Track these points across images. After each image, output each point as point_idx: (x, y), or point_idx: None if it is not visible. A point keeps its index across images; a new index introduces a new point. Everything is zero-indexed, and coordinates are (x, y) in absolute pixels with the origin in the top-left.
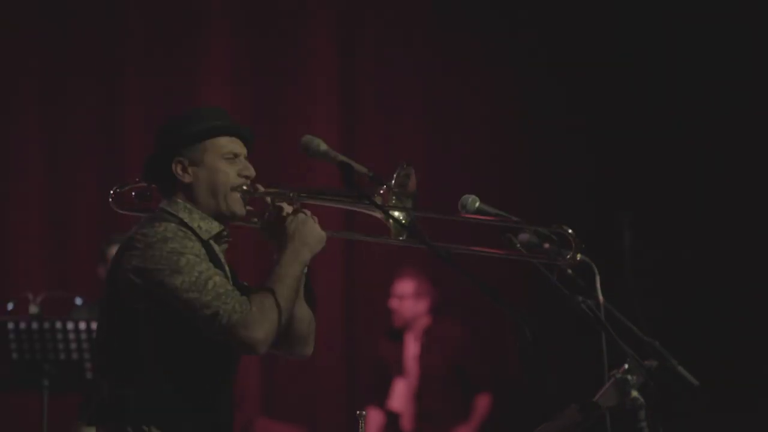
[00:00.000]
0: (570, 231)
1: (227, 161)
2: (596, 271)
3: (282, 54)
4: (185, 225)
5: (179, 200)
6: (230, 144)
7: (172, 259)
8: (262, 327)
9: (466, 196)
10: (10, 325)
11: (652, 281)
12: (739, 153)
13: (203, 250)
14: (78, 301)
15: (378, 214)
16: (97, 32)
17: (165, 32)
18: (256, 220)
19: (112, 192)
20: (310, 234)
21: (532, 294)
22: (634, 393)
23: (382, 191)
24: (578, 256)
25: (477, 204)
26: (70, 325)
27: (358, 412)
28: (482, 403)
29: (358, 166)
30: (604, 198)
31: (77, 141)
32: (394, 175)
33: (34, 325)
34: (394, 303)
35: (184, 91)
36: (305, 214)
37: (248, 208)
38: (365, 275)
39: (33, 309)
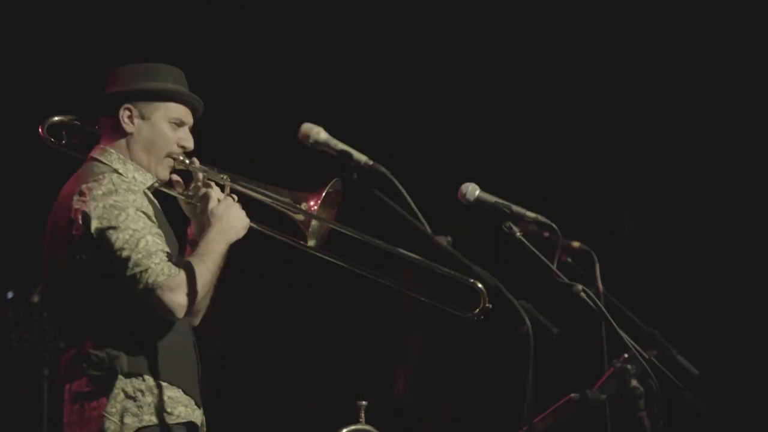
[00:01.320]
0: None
1: (172, 126)
2: (596, 259)
3: None
4: (120, 175)
5: (112, 150)
6: (180, 110)
7: (113, 213)
8: (184, 293)
9: (466, 184)
10: (11, 315)
11: (652, 270)
12: (740, 140)
13: (145, 201)
14: None
15: (301, 218)
16: None
17: None
18: (180, 190)
19: (44, 124)
20: (237, 217)
21: (530, 283)
22: (634, 382)
23: (313, 201)
24: (576, 244)
25: (477, 192)
26: None
27: (358, 402)
28: (482, 394)
29: (358, 154)
30: (604, 186)
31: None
32: (326, 189)
33: (35, 315)
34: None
35: None
36: (232, 200)
37: (175, 177)
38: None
39: (33, 298)
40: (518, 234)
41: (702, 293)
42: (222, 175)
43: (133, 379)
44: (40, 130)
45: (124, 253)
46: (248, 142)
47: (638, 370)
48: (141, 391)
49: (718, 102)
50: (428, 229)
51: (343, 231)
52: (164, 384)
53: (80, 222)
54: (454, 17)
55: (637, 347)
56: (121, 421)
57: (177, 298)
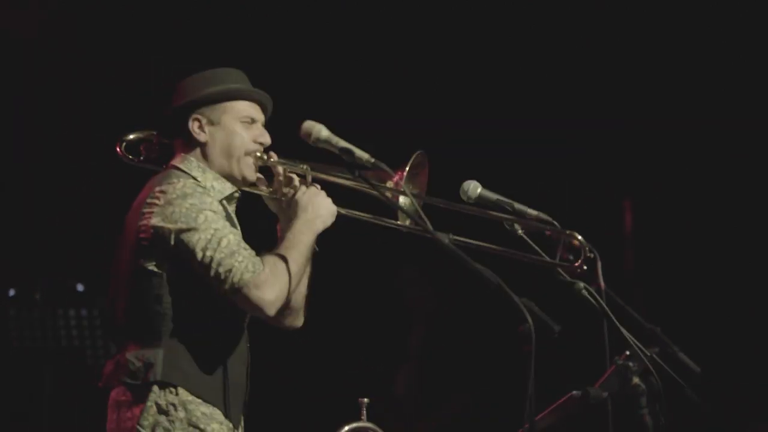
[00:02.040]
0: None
1: (244, 125)
2: (598, 256)
3: None
4: (198, 183)
5: (192, 158)
6: (249, 108)
7: (191, 216)
8: (273, 288)
9: (468, 182)
10: (12, 312)
11: (653, 267)
12: (741, 137)
13: (220, 207)
14: (80, 287)
15: (383, 198)
16: None
17: None
18: (264, 187)
19: (120, 140)
20: (322, 206)
21: (532, 281)
22: (636, 380)
23: (395, 178)
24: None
25: (479, 190)
26: (71, 312)
27: (360, 399)
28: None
29: (359, 152)
30: (605, 183)
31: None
32: (409, 162)
33: (36, 312)
34: (400, 289)
35: None
36: (316, 188)
37: (258, 175)
38: (371, 259)
39: (35, 295)
40: (520, 232)
41: (703, 291)
42: (302, 165)
43: (167, 392)
44: (117, 148)
45: (207, 253)
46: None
47: (640, 368)
48: (173, 405)
49: (718, 100)
50: (430, 226)
51: (432, 203)
52: (198, 400)
53: (151, 228)
54: (455, 14)
55: (638, 345)
56: None
57: (264, 295)
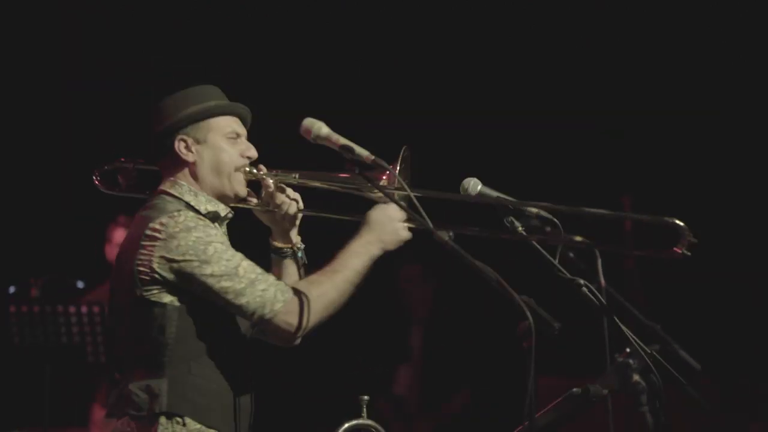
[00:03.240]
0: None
1: (230, 141)
2: (598, 254)
3: None
4: (192, 209)
5: (182, 182)
6: (232, 123)
7: (199, 249)
8: (303, 316)
9: (468, 179)
10: (12, 309)
11: (654, 264)
12: (740, 133)
13: (225, 237)
14: (80, 284)
15: (378, 198)
16: None
17: None
18: (254, 200)
19: (97, 172)
20: (391, 231)
21: (531, 277)
22: (636, 377)
23: (385, 176)
24: (578, 239)
25: (479, 187)
26: (71, 309)
27: (360, 396)
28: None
29: (360, 149)
30: (605, 180)
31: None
32: (399, 158)
33: (36, 309)
34: (400, 287)
35: None
36: (400, 208)
37: (247, 189)
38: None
39: (34, 293)
40: (520, 229)
41: (703, 288)
42: (293, 175)
43: (174, 423)
44: (95, 181)
45: (225, 284)
46: (250, 137)
47: (640, 365)
48: None
49: (718, 98)
50: (430, 224)
51: (426, 196)
52: (205, 429)
53: (155, 264)
54: (456, 12)
55: (639, 342)
56: None
57: (295, 322)
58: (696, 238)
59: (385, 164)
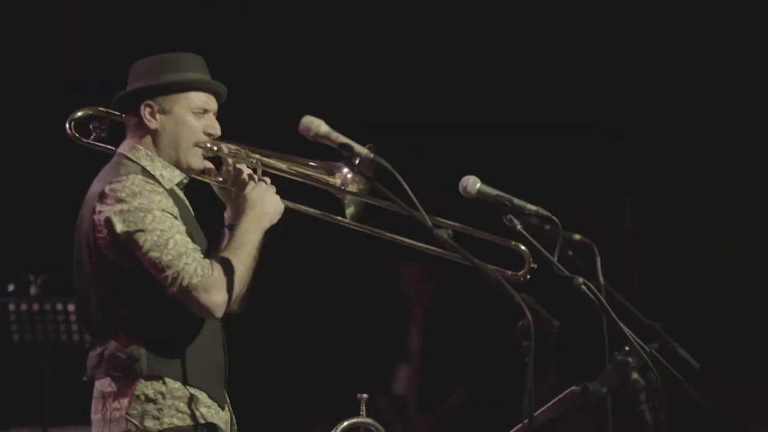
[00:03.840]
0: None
1: (196, 116)
2: (597, 252)
3: None
4: (147, 173)
5: (140, 146)
6: (202, 98)
7: (138, 216)
8: (221, 291)
9: (467, 177)
10: (11, 307)
11: (653, 262)
12: (741, 132)
13: (170, 202)
14: None
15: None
16: None
17: None
18: (213, 177)
19: (70, 118)
20: (270, 204)
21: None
22: (635, 375)
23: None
24: (578, 237)
25: (478, 185)
26: (70, 307)
27: (359, 395)
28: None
29: (359, 147)
30: (605, 179)
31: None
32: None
33: (35, 307)
34: (399, 287)
35: None
36: (266, 183)
37: (207, 164)
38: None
39: (34, 290)
40: (519, 227)
41: (703, 286)
42: (253, 157)
43: (153, 382)
44: (67, 127)
45: (154, 254)
46: (251, 134)
47: (639, 364)
48: (161, 393)
49: (718, 96)
50: (429, 222)
51: (376, 203)
52: (185, 387)
53: (104, 226)
54: (456, 11)
55: (638, 340)
56: (142, 424)
57: (214, 298)
58: (535, 265)
59: (385, 162)
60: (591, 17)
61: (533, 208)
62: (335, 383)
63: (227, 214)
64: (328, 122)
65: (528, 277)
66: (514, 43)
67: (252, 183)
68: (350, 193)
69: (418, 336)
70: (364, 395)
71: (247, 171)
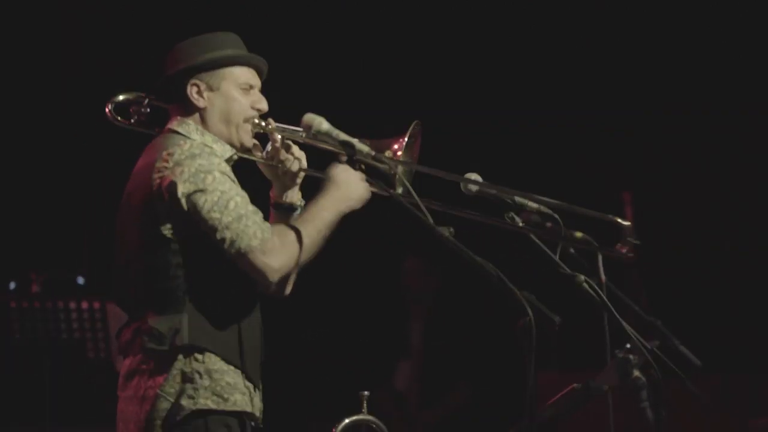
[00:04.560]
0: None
1: (243, 91)
2: (598, 250)
3: None
4: (206, 144)
5: (190, 122)
6: (247, 74)
7: (199, 177)
8: (279, 257)
9: (469, 174)
10: (13, 305)
11: (654, 260)
12: (741, 130)
13: (228, 168)
14: (80, 280)
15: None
16: None
17: None
18: (259, 153)
19: (111, 101)
20: (356, 189)
21: (533, 273)
22: (636, 373)
23: (395, 146)
24: (579, 234)
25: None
26: (72, 305)
27: (360, 392)
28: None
29: (360, 145)
30: (605, 176)
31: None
32: (408, 131)
33: (37, 305)
34: (401, 282)
35: None
36: (361, 169)
37: (254, 141)
38: (372, 251)
39: (35, 288)
40: (520, 224)
41: (704, 283)
42: (301, 133)
43: (192, 359)
44: (107, 109)
45: (214, 215)
46: None
47: (640, 361)
48: (199, 373)
49: (719, 94)
50: (431, 220)
51: (429, 172)
52: (224, 368)
53: (165, 190)
54: (455, 7)
55: (639, 338)
56: (178, 402)
57: (270, 261)
58: (638, 240)
59: (385, 159)
60: (591, 15)
61: (534, 205)
62: (336, 380)
63: (273, 193)
64: (329, 120)
65: (631, 255)
66: (515, 38)
67: (341, 165)
68: (404, 163)
69: (420, 332)
70: (365, 393)
71: (295, 148)
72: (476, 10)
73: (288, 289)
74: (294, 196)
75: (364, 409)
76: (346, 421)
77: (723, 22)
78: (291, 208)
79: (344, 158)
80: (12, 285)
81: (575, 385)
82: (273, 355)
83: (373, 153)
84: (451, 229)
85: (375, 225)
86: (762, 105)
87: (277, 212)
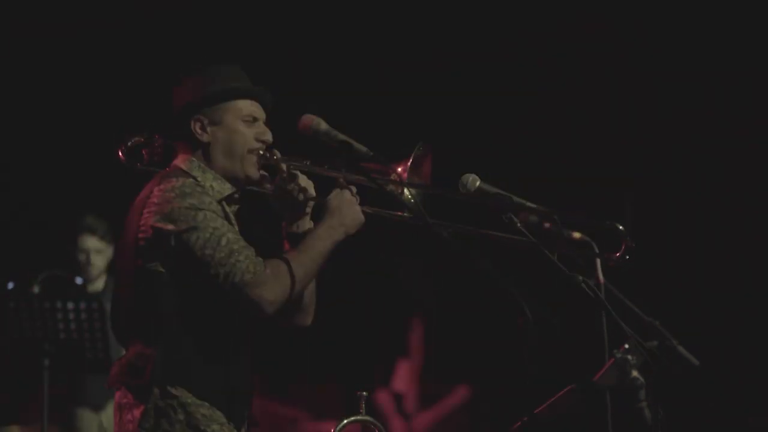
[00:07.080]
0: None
1: (246, 124)
2: (597, 250)
3: None
4: (198, 183)
5: (194, 159)
6: (250, 107)
7: (189, 215)
8: (272, 289)
9: (467, 174)
10: (11, 305)
11: (653, 259)
12: (741, 130)
13: (219, 207)
14: (79, 280)
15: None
16: None
17: None
18: (268, 185)
19: (122, 146)
20: (349, 214)
21: (531, 273)
22: (635, 373)
23: (399, 169)
24: (577, 235)
25: (477, 183)
26: (70, 305)
27: (358, 392)
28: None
29: (358, 145)
30: (605, 175)
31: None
32: (412, 154)
33: (35, 305)
34: (401, 283)
35: None
36: (351, 192)
37: (262, 172)
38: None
39: (34, 289)
40: (519, 225)
41: (703, 283)
42: (306, 161)
43: (166, 393)
44: (120, 155)
45: (207, 252)
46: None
47: (639, 361)
48: (173, 407)
49: (719, 93)
50: (429, 220)
51: (438, 193)
52: (198, 402)
53: (150, 227)
54: (454, 8)
55: (637, 338)
56: None
57: (264, 294)
58: (633, 244)
59: (384, 159)
60: (592, 13)
61: (533, 205)
62: (335, 380)
63: (284, 224)
64: (327, 120)
65: (627, 258)
66: (516, 39)
67: (336, 190)
68: (407, 186)
69: (419, 332)
70: (364, 393)
71: (302, 177)
72: (476, 10)
73: (308, 320)
74: (305, 225)
75: (363, 410)
76: (345, 421)
77: (723, 22)
78: (304, 236)
79: (342, 180)
80: (10, 285)
81: (574, 385)
82: (273, 355)
83: (371, 153)
84: (450, 229)
85: (375, 225)
86: (763, 105)
87: (291, 242)
